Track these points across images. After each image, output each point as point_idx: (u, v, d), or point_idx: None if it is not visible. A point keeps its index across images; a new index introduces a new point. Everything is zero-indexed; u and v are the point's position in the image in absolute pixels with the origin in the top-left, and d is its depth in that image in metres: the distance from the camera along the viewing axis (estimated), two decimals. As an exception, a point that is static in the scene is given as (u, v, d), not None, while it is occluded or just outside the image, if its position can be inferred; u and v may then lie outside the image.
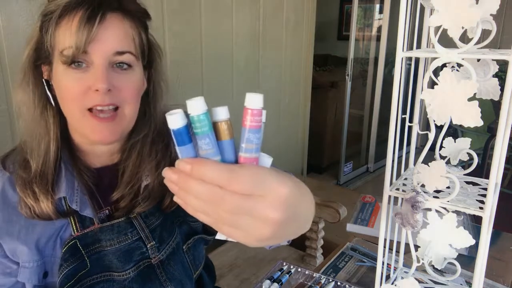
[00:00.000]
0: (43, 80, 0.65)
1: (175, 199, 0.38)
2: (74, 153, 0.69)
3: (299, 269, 0.99)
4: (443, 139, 0.57)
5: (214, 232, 0.84)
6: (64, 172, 0.66)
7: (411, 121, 0.64)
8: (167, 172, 0.36)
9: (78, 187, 0.66)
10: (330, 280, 0.95)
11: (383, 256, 0.66)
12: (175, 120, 0.36)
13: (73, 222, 0.67)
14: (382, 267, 0.67)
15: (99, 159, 0.71)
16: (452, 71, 0.51)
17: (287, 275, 0.97)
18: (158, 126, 0.73)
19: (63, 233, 0.67)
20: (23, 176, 0.64)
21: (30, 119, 0.65)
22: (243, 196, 0.34)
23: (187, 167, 0.34)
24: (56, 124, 0.65)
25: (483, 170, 2.54)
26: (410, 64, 0.70)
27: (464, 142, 0.59)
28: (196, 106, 0.35)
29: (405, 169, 0.68)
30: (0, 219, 0.64)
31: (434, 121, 0.53)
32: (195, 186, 0.34)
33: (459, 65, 0.54)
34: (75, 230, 0.66)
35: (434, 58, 0.52)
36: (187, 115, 0.36)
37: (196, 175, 0.34)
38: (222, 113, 0.37)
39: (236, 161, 0.37)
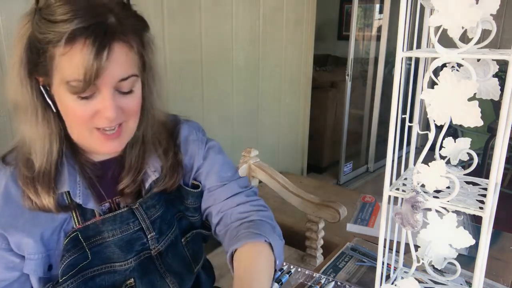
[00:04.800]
0: (41, 87, 0.63)
1: None
2: (76, 148, 0.70)
3: (299, 269, 0.99)
4: (443, 139, 0.57)
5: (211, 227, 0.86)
6: (67, 167, 0.67)
7: (411, 121, 0.64)
8: None
9: (80, 181, 0.68)
10: (330, 280, 0.95)
11: (383, 256, 0.66)
12: None
13: (74, 215, 0.68)
14: (382, 267, 0.67)
15: (99, 154, 0.73)
16: (452, 71, 0.51)
17: (287, 275, 0.97)
18: (157, 117, 0.75)
19: (66, 226, 0.68)
20: (26, 174, 0.65)
21: (30, 122, 0.65)
22: None
23: None
24: (57, 123, 0.66)
25: (483, 170, 2.54)
26: (410, 64, 0.70)
27: (464, 142, 0.58)
28: None
29: (405, 169, 0.68)
30: (5, 213, 0.65)
31: (434, 121, 0.53)
32: None
33: (459, 65, 0.54)
34: (76, 223, 0.68)
35: (434, 58, 0.52)
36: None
37: None
38: None
39: None
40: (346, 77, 3.12)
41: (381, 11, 3.36)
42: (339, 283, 0.94)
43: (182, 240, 0.81)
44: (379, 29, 3.38)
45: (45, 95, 0.63)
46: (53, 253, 0.67)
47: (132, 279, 0.73)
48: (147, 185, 0.74)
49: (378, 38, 3.40)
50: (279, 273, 0.98)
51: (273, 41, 2.34)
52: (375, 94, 3.49)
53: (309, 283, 0.95)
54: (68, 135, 0.69)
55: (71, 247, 0.67)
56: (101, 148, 0.66)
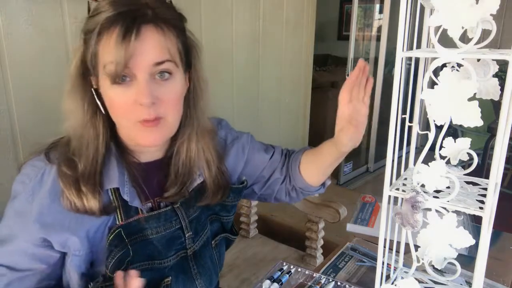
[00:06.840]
0: (92, 89, 0.67)
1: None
2: (123, 148, 0.72)
3: (299, 269, 0.99)
4: (443, 139, 0.57)
5: (237, 233, 0.90)
6: (116, 164, 0.68)
7: (411, 121, 0.64)
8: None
9: (127, 179, 0.70)
10: (330, 280, 0.95)
11: (383, 256, 0.66)
12: None
13: (118, 212, 0.69)
14: (382, 267, 0.67)
15: (144, 155, 0.74)
16: (452, 71, 0.51)
17: (287, 275, 0.97)
18: (201, 124, 0.76)
19: (111, 223, 0.69)
20: (68, 173, 0.65)
21: (79, 125, 0.67)
22: None
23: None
24: (106, 127, 0.68)
25: (483, 170, 2.54)
26: (410, 64, 0.70)
27: (464, 142, 0.59)
28: None
29: (405, 169, 0.68)
30: (53, 211, 0.65)
31: (434, 121, 0.53)
32: None
33: (459, 65, 0.54)
34: (119, 219, 0.69)
35: (434, 58, 0.52)
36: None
37: None
38: None
39: None
40: (346, 77, 3.09)
41: (381, 11, 3.36)
42: (339, 283, 0.94)
43: (212, 242, 0.83)
44: (379, 29, 3.38)
45: (95, 97, 0.67)
46: (95, 250, 0.68)
47: (170, 277, 0.74)
48: (190, 189, 0.76)
49: (378, 38, 3.39)
50: (279, 273, 0.98)
51: (273, 41, 2.34)
52: (375, 94, 3.49)
53: (309, 283, 0.95)
54: (116, 136, 0.71)
55: (118, 242, 0.68)
56: (142, 138, 0.67)
